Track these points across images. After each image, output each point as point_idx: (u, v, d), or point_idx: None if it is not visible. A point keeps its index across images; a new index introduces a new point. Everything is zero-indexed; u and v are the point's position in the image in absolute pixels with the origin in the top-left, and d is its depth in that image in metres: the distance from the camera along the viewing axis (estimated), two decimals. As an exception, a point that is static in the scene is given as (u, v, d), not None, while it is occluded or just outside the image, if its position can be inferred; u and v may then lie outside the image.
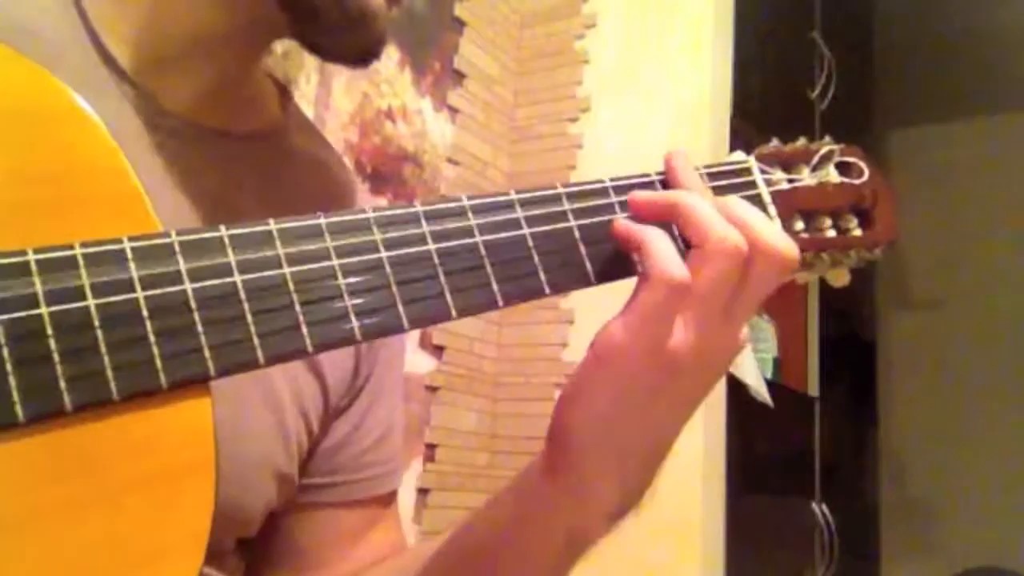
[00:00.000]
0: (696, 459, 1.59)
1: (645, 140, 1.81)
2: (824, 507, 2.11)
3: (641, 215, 0.47)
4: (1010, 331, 2.93)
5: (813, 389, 2.20)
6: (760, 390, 1.81)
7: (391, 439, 0.67)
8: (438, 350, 1.72)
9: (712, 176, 0.51)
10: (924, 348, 3.09)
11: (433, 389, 1.69)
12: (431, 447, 1.68)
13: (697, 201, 0.45)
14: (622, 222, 0.46)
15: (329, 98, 1.51)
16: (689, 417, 0.48)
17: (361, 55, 0.57)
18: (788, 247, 0.45)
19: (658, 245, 0.44)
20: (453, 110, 1.82)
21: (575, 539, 0.50)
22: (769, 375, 1.92)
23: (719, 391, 1.67)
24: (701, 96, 1.77)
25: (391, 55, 1.67)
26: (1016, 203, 2.99)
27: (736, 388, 1.73)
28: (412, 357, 1.64)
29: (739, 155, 0.53)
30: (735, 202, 0.46)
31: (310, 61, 1.45)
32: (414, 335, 1.65)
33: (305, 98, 1.46)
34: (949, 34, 3.09)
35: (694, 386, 0.46)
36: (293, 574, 0.64)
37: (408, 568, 0.59)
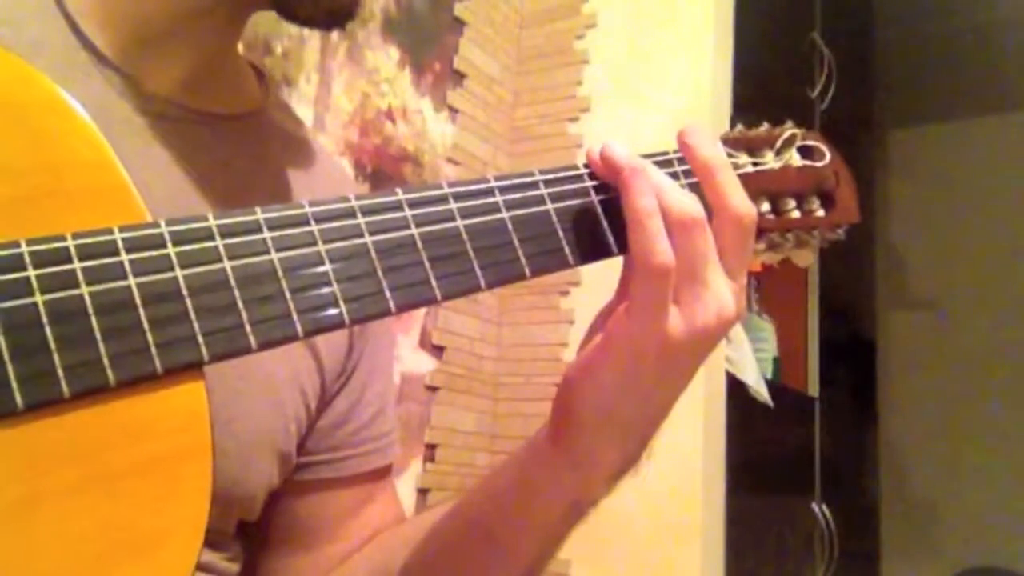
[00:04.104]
0: (696, 459, 1.59)
1: (645, 140, 1.79)
2: (824, 507, 2.11)
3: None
4: (1010, 331, 2.93)
5: (813, 389, 2.20)
6: (760, 390, 1.81)
7: (386, 413, 0.69)
8: (438, 350, 1.71)
9: (681, 160, 0.52)
10: (924, 348, 3.09)
11: (433, 389, 1.69)
12: (431, 447, 1.68)
13: (642, 174, 0.46)
14: (629, 193, 0.46)
15: (329, 98, 1.51)
16: (687, 386, 0.49)
17: (337, 17, 0.57)
18: (747, 206, 0.47)
19: (647, 225, 0.44)
20: (453, 110, 1.82)
21: (576, 504, 0.52)
22: (769, 375, 1.92)
23: (719, 391, 1.68)
24: (701, 96, 1.77)
25: (391, 55, 1.67)
26: (1016, 203, 2.99)
27: (736, 388, 1.73)
28: (412, 357, 1.65)
29: None
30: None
31: (310, 61, 1.45)
32: (414, 335, 1.65)
33: (305, 98, 1.45)
34: (949, 34, 3.09)
35: (693, 361, 0.47)
36: (292, 554, 0.65)
37: (410, 539, 0.60)
